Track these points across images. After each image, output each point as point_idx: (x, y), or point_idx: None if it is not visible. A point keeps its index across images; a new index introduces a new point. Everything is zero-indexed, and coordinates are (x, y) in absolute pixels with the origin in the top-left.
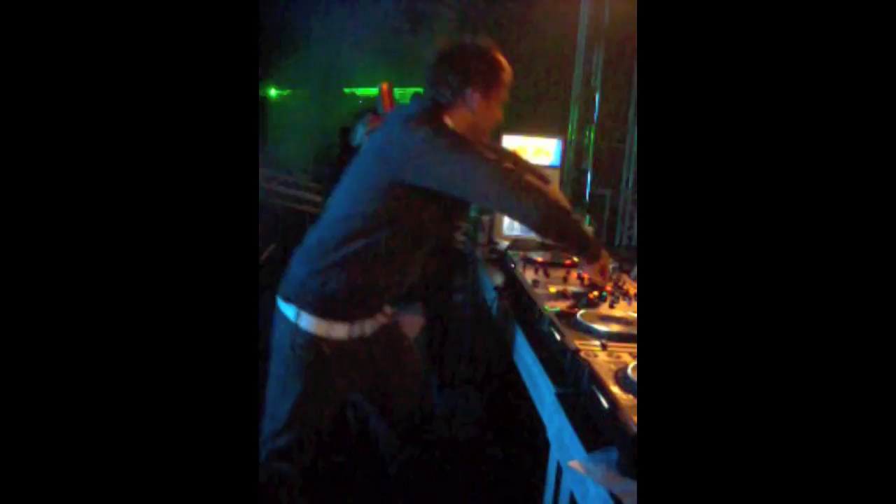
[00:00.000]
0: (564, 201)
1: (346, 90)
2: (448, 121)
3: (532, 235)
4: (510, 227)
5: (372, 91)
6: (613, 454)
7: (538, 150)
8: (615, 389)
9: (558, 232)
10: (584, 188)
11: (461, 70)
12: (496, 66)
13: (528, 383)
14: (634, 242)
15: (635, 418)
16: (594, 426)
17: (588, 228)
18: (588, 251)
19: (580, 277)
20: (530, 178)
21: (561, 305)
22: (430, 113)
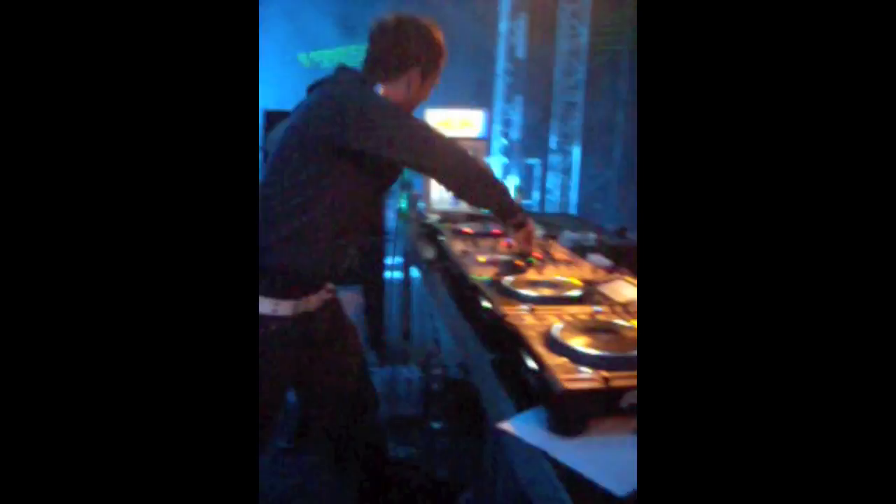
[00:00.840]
0: (489, 168)
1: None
2: (382, 92)
3: (461, 207)
4: (440, 200)
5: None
6: (543, 413)
7: (464, 122)
8: (541, 350)
9: (484, 195)
10: (512, 158)
11: (405, 49)
12: (437, 49)
13: (463, 353)
14: (566, 210)
15: (561, 377)
16: (525, 388)
17: (517, 197)
18: (514, 216)
19: (508, 246)
20: (458, 143)
21: (489, 274)
22: (362, 82)
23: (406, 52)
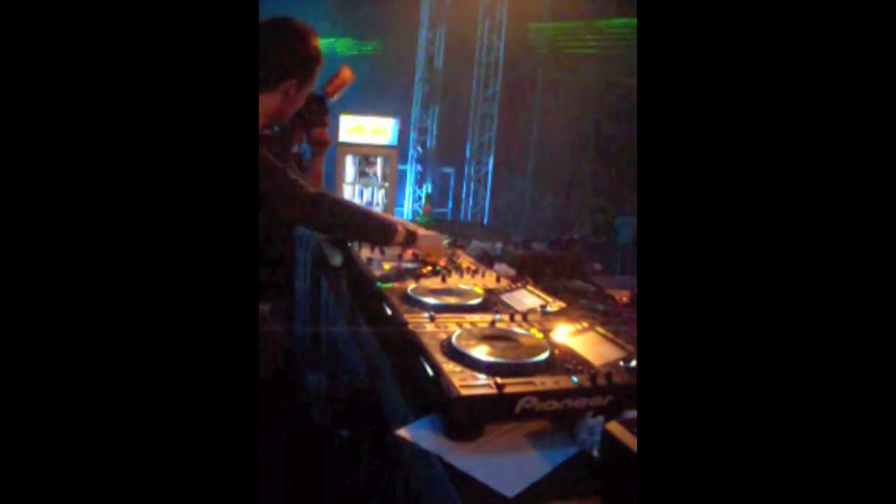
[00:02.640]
0: (352, 207)
1: None
2: None
3: None
4: None
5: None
6: (437, 420)
7: (376, 130)
8: (439, 357)
9: (357, 234)
10: (427, 167)
11: (283, 57)
12: (316, 58)
13: (368, 360)
14: (478, 219)
15: (456, 383)
16: (423, 394)
17: (425, 206)
18: (394, 237)
19: (415, 255)
20: (307, 186)
21: (394, 282)
22: None
23: (282, 65)
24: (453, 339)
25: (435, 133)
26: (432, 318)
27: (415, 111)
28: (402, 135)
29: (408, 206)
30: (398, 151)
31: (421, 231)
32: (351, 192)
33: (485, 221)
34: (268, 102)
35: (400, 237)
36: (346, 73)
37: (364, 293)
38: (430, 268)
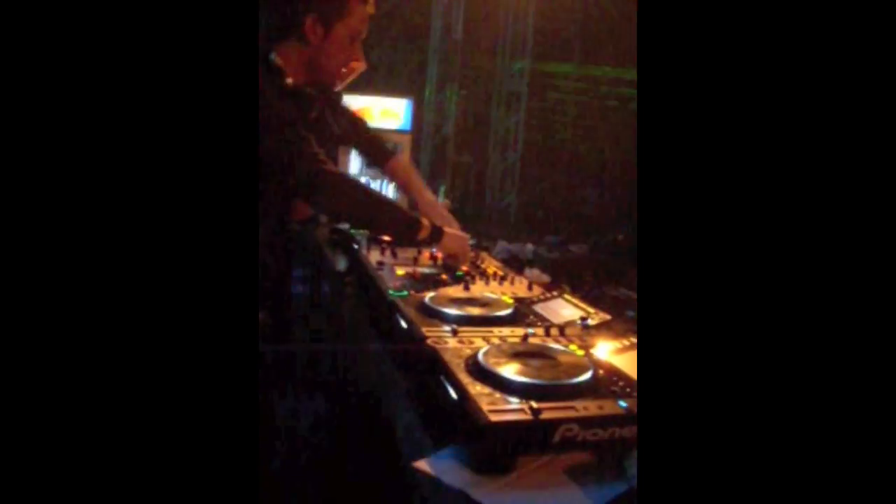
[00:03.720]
0: (370, 190)
1: None
2: (277, 59)
3: None
4: None
5: None
6: (462, 450)
7: (385, 112)
8: (463, 377)
9: (370, 220)
10: (444, 155)
11: None
12: None
13: (378, 379)
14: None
15: (485, 407)
16: (445, 420)
17: (444, 202)
18: (418, 233)
19: (433, 258)
20: (329, 163)
21: (409, 289)
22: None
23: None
24: (480, 357)
25: (453, 115)
26: (455, 332)
27: (429, 91)
28: (416, 118)
29: None
30: (412, 137)
31: (448, 228)
32: None
33: (512, 219)
34: (292, 55)
35: (425, 233)
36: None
37: (374, 303)
38: (450, 273)
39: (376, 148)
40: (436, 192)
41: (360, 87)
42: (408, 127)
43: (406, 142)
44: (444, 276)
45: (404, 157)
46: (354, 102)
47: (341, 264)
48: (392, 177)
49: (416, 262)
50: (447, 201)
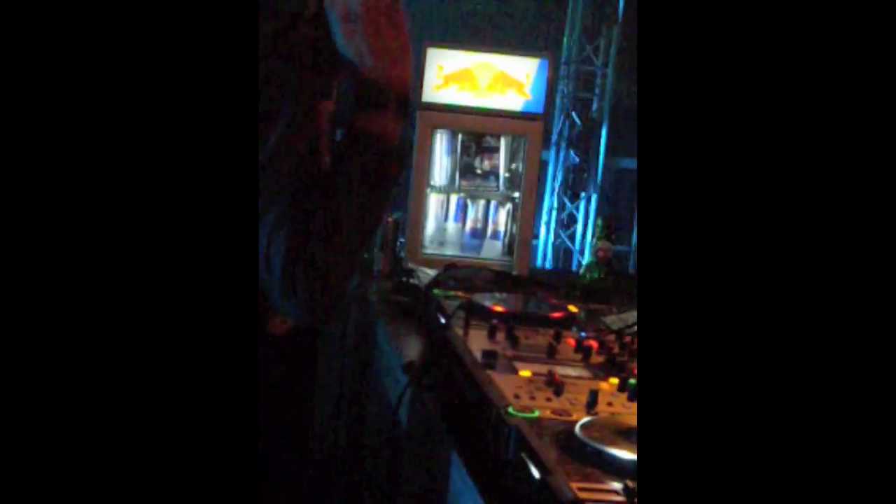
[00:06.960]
0: None
1: None
2: None
3: (487, 256)
4: (437, 235)
5: None
6: None
7: (499, 80)
8: None
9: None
10: (590, 160)
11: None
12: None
13: None
14: None
15: None
16: None
17: (602, 245)
18: None
19: (582, 345)
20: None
21: (544, 405)
22: None
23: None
24: None
25: (609, 88)
26: (628, 491)
27: (569, 44)
28: (549, 92)
29: (545, 234)
30: (543, 125)
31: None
32: (442, 205)
33: None
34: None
35: None
36: None
37: (474, 425)
38: (620, 377)
39: None
40: (580, 221)
41: (457, 33)
42: (540, 108)
43: (536, 133)
44: (608, 385)
45: (502, 162)
46: (450, 61)
47: (412, 350)
48: None
49: (554, 352)
50: (608, 244)
